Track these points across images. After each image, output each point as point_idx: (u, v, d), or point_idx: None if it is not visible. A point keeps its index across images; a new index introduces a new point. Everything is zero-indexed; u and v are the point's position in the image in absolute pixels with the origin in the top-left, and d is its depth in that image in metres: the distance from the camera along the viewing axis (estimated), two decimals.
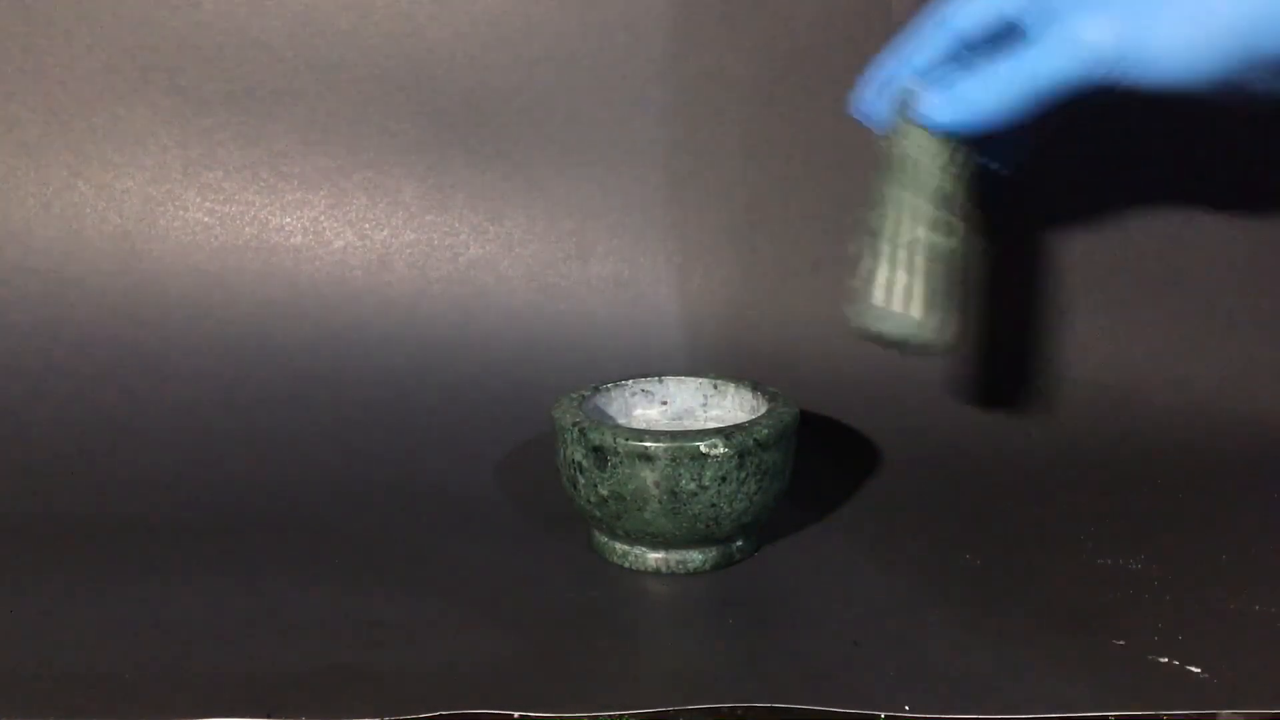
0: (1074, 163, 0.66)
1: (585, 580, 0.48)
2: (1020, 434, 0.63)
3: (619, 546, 0.49)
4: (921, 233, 0.45)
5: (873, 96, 0.47)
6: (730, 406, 0.54)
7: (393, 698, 0.39)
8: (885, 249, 0.45)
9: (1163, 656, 0.42)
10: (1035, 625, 0.44)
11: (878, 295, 0.45)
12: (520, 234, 0.67)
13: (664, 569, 0.48)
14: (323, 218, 0.67)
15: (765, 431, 0.47)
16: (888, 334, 0.45)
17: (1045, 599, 0.46)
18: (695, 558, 0.48)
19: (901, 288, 0.45)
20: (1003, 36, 0.44)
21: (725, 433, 0.46)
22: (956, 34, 0.45)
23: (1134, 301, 0.66)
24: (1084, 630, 0.44)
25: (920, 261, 0.45)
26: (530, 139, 0.67)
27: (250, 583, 0.47)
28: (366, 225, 0.67)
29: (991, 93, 0.42)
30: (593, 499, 0.47)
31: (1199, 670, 0.41)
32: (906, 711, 0.38)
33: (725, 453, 0.45)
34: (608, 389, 0.53)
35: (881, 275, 0.45)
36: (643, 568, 0.48)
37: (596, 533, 0.50)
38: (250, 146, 0.67)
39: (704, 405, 0.54)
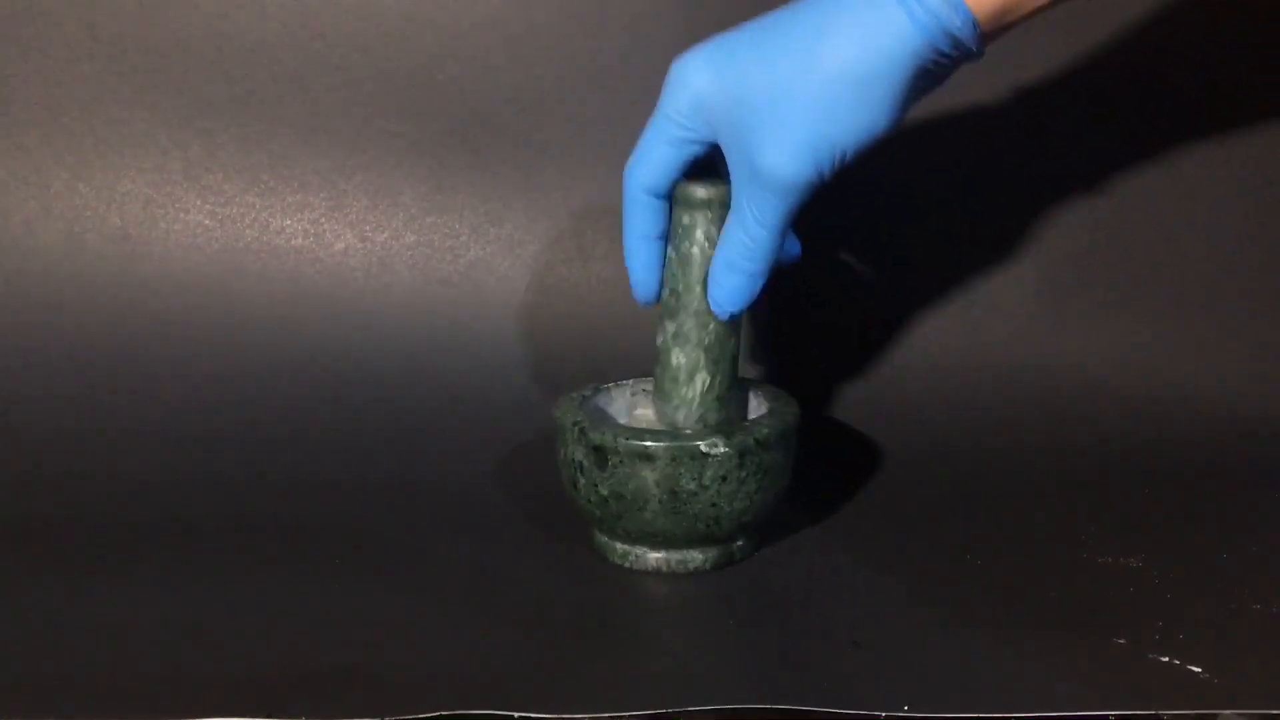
0: (1073, 162, 0.66)
1: (585, 580, 0.48)
2: (1018, 433, 0.62)
3: (619, 546, 0.49)
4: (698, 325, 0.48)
5: (642, 280, 0.48)
6: (745, 399, 0.53)
7: (392, 698, 0.39)
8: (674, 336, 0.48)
9: (1163, 656, 0.42)
10: (1035, 625, 0.44)
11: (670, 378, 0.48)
12: (521, 235, 0.67)
13: (664, 569, 0.48)
14: (323, 219, 0.67)
15: (766, 431, 0.47)
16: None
17: (1045, 598, 0.46)
18: (696, 557, 0.48)
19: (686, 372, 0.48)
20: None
21: (726, 432, 0.46)
22: (657, 192, 0.47)
23: (1134, 301, 0.66)
24: (1084, 629, 0.44)
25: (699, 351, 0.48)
26: (531, 140, 0.67)
27: (250, 583, 0.47)
28: (367, 227, 0.67)
29: (743, 279, 0.45)
30: (593, 498, 0.47)
31: (1199, 669, 0.41)
32: (906, 711, 0.38)
33: (726, 452, 0.45)
34: (608, 389, 0.53)
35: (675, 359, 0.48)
36: (643, 567, 0.48)
37: (597, 532, 0.50)
38: (251, 149, 0.67)
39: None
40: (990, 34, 0.44)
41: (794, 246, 0.48)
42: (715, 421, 0.49)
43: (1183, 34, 0.65)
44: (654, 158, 0.46)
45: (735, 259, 0.45)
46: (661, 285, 0.48)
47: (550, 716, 0.38)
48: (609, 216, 0.67)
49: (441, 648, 0.43)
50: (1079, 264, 0.67)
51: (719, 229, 0.46)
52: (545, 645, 0.43)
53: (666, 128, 0.46)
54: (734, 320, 0.48)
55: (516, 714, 0.38)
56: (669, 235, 0.48)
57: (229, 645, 0.43)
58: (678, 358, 0.48)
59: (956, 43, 0.43)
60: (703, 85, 0.45)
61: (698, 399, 0.49)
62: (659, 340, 0.49)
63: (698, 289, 0.47)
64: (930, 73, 0.44)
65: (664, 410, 0.49)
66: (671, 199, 0.47)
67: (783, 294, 0.66)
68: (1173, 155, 0.66)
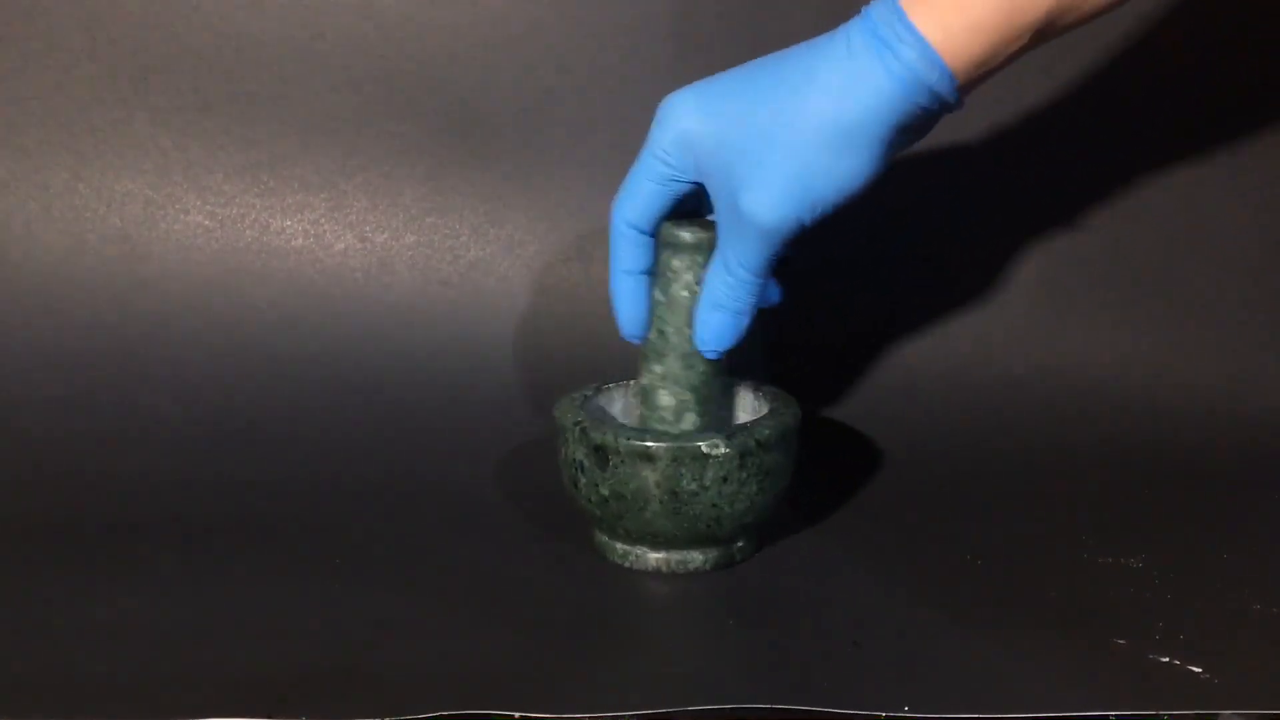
0: (1073, 161, 0.66)
1: (586, 580, 0.48)
2: (1018, 434, 0.62)
3: (620, 546, 0.49)
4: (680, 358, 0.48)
5: (628, 316, 0.49)
6: (733, 407, 0.54)
7: (393, 698, 0.39)
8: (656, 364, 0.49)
9: (1164, 656, 0.42)
10: (1036, 625, 0.44)
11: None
12: (521, 236, 0.67)
13: (664, 569, 0.48)
14: (323, 220, 0.67)
15: (767, 432, 0.47)
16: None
17: (1046, 599, 0.46)
18: (696, 558, 0.48)
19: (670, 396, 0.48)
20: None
21: (726, 433, 0.46)
22: (643, 228, 0.47)
23: (1134, 301, 0.66)
24: (1085, 630, 0.44)
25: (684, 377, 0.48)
26: (531, 141, 0.67)
27: (251, 584, 0.47)
28: (367, 227, 0.67)
29: (727, 319, 0.46)
30: (594, 498, 0.47)
31: (1200, 670, 0.41)
32: (907, 712, 0.38)
33: (726, 453, 0.45)
34: (610, 389, 0.53)
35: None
36: (644, 568, 0.48)
37: (598, 532, 0.50)
38: (250, 149, 0.67)
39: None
40: (968, 86, 0.45)
41: (774, 293, 0.49)
42: None
43: (1182, 34, 0.65)
44: (641, 194, 0.47)
45: (720, 299, 0.46)
46: (648, 324, 0.48)
47: (550, 716, 0.38)
48: (609, 218, 0.67)
49: (442, 648, 0.43)
50: (1079, 265, 0.67)
51: None
52: (545, 645, 0.43)
53: (653, 165, 0.46)
54: (719, 360, 0.48)
55: (517, 714, 0.38)
56: (656, 276, 0.48)
57: (229, 646, 0.43)
58: (666, 399, 0.49)
59: (935, 96, 0.44)
60: (690, 125, 0.45)
61: None
62: (644, 380, 0.49)
63: (686, 331, 0.47)
64: (911, 127, 0.45)
65: None
66: (659, 241, 0.47)
67: (785, 295, 0.66)
68: (1173, 157, 0.66)
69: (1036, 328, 0.66)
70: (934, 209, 0.67)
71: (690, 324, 0.47)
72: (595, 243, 0.67)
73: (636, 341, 0.49)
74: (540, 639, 0.43)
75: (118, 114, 0.66)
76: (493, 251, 0.67)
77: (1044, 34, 0.44)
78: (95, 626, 0.44)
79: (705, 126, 0.45)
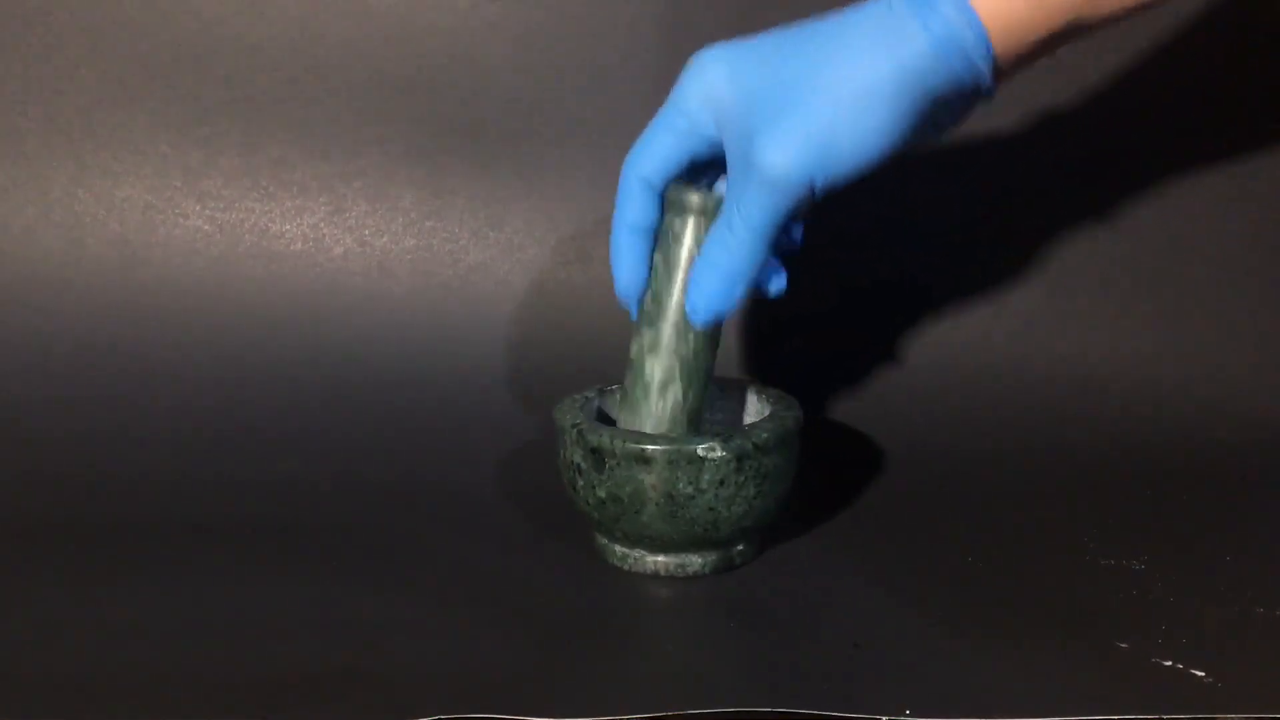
0: (1074, 163, 0.66)
1: (585, 583, 0.48)
2: (1019, 436, 0.62)
3: (619, 549, 0.49)
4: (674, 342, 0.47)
5: (627, 275, 0.48)
6: (734, 409, 0.53)
7: (392, 701, 0.39)
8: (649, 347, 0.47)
9: (1166, 659, 0.41)
10: (1037, 628, 0.44)
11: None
12: (520, 239, 0.67)
13: (664, 572, 0.48)
14: (323, 224, 0.67)
15: (765, 435, 0.46)
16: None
17: (1047, 601, 0.46)
18: (695, 561, 0.48)
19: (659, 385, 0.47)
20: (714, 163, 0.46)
21: (723, 436, 0.46)
22: (654, 183, 0.46)
23: (1134, 301, 0.66)
24: (1086, 633, 0.43)
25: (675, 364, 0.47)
26: (530, 143, 0.67)
27: (251, 586, 0.47)
28: (366, 231, 0.67)
29: (722, 281, 0.44)
30: (591, 501, 0.47)
31: (1203, 674, 0.40)
32: (907, 715, 0.38)
33: (723, 456, 0.45)
34: (612, 390, 0.53)
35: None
36: (643, 570, 0.48)
37: (598, 535, 0.50)
38: (250, 154, 0.67)
39: (709, 408, 0.54)
40: (1004, 68, 0.44)
41: (778, 281, 0.47)
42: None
43: (1184, 39, 0.65)
44: (656, 147, 0.45)
45: (717, 259, 0.44)
46: (645, 286, 0.47)
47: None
48: (609, 219, 0.67)
49: (441, 650, 0.42)
50: (1081, 266, 0.66)
51: None
52: (544, 648, 0.43)
53: (674, 118, 0.45)
54: (713, 335, 0.47)
55: (515, 717, 0.38)
56: (658, 238, 0.47)
57: (229, 647, 0.43)
58: (652, 367, 0.47)
59: (970, 65, 0.42)
60: (716, 80, 0.44)
61: (668, 413, 0.47)
62: (633, 349, 0.48)
63: (680, 297, 0.46)
64: (942, 100, 0.43)
65: (629, 423, 0.48)
66: (665, 202, 0.47)
67: (785, 296, 0.66)
68: (1173, 158, 0.66)
69: (1038, 329, 0.66)
70: (934, 211, 0.67)
71: (686, 289, 0.46)
72: (595, 245, 0.67)
73: (630, 304, 0.48)
74: (539, 641, 0.43)
75: (117, 119, 0.66)
76: (492, 255, 0.67)
77: (1082, 20, 0.43)
78: (95, 626, 0.44)
79: (731, 83, 0.43)
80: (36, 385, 0.63)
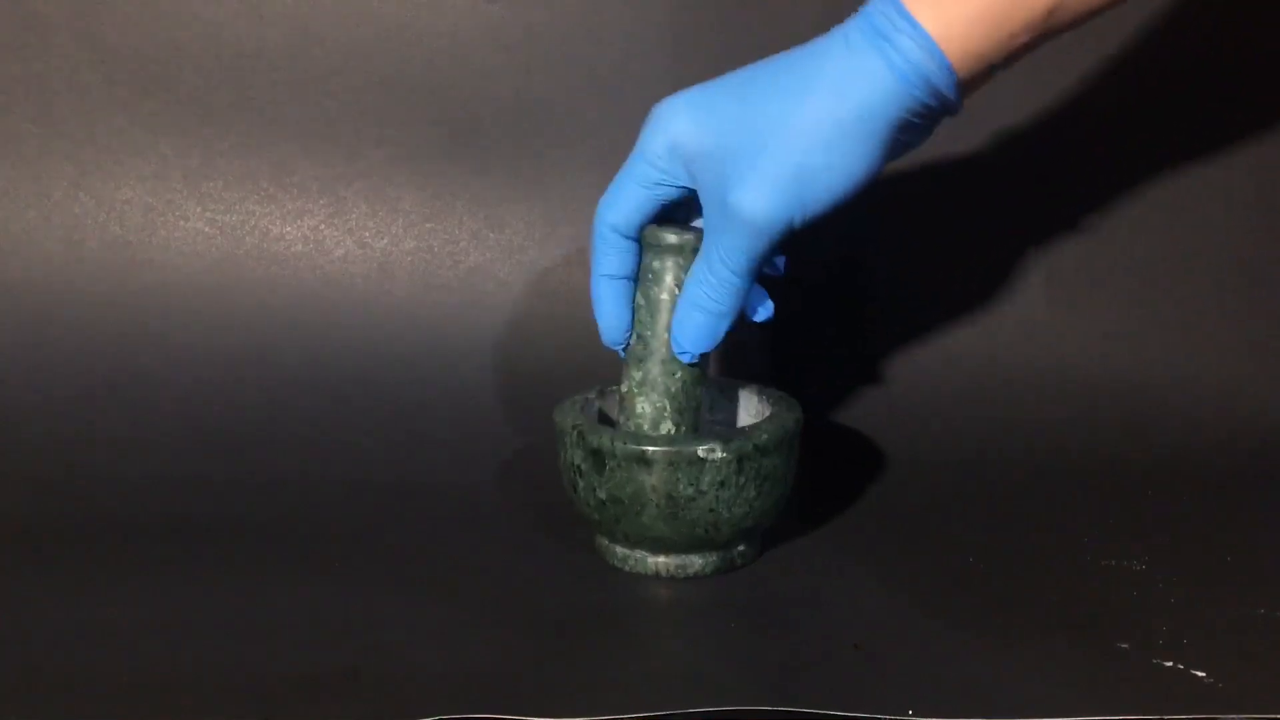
0: (1074, 162, 0.66)
1: (587, 584, 0.48)
2: (1020, 437, 0.62)
3: (620, 550, 0.49)
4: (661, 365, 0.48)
5: (609, 322, 0.48)
6: (735, 410, 0.53)
7: (393, 702, 0.39)
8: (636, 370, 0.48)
9: (1167, 660, 0.41)
10: (1038, 628, 0.44)
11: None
12: (520, 240, 0.67)
13: (664, 573, 0.48)
14: (323, 226, 0.67)
15: (765, 436, 0.46)
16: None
17: (1048, 602, 0.46)
18: (696, 562, 0.48)
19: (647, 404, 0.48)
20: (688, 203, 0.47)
21: (724, 437, 0.46)
22: (627, 232, 0.47)
23: (1137, 304, 0.66)
24: (1087, 634, 0.43)
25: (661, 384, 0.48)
26: (529, 145, 0.67)
27: (251, 587, 0.47)
28: (366, 233, 0.67)
29: (707, 321, 0.45)
30: (591, 502, 0.47)
31: (1204, 674, 0.40)
32: (909, 716, 0.38)
33: (723, 457, 0.45)
34: (612, 391, 0.53)
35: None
36: (644, 572, 0.48)
37: (598, 536, 0.50)
38: (250, 156, 0.67)
39: (710, 409, 0.54)
40: (968, 85, 0.44)
41: (766, 308, 0.48)
42: None
43: (1181, 36, 0.65)
44: (626, 198, 0.46)
45: (700, 299, 0.45)
46: (629, 330, 0.48)
47: None
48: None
49: (442, 651, 0.42)
50: (1081, 268, 0.66)
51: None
52: (544, 648, 0.43)
53: (642, 169, 0.46)
54: (699, 368, 0.48)
55: (515, 717, 0.38)
56: (638, 280, 0.48)
57: (229, 647, 0.43)
58: (643, 406, 0.48)
59: (935, 91, 0.43)
60: (681, 129, 0.44)
61: None
62: (624, 387, 0.49)
63: (665, 335, 0.47)
64: (910, 125, 0.44)
65: None
66: (643, 243, 0.47)
67: (785, 299, 0.66)
68: (1174, 159, 0.66)
69: (1038, 331, 0.66)
70: (935, 211, 0.67)
71: (670, 328, 0.47)
72: None
73: (617, 349, 0.49)
74: (539, 641, 0.43)
75: (118, 121, 0.66)
76: (492, 256, 0.67)
77: (1045, 32, 0.44)
78: (95, 628, 0.44)
79: (698, 130, 0.44)
80: (37, 386, 0.63)
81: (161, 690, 0.40)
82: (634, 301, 0.48)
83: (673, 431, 0.48)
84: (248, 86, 0.66)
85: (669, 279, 0.47)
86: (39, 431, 0.61)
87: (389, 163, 0.67)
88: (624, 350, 0.49)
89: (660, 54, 0.66)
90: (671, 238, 0.46)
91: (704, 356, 0.47)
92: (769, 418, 0.49)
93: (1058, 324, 0.66)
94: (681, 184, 0.46)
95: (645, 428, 0.48)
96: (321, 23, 0.66)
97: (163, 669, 0.41)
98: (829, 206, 0.44)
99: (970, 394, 0.65)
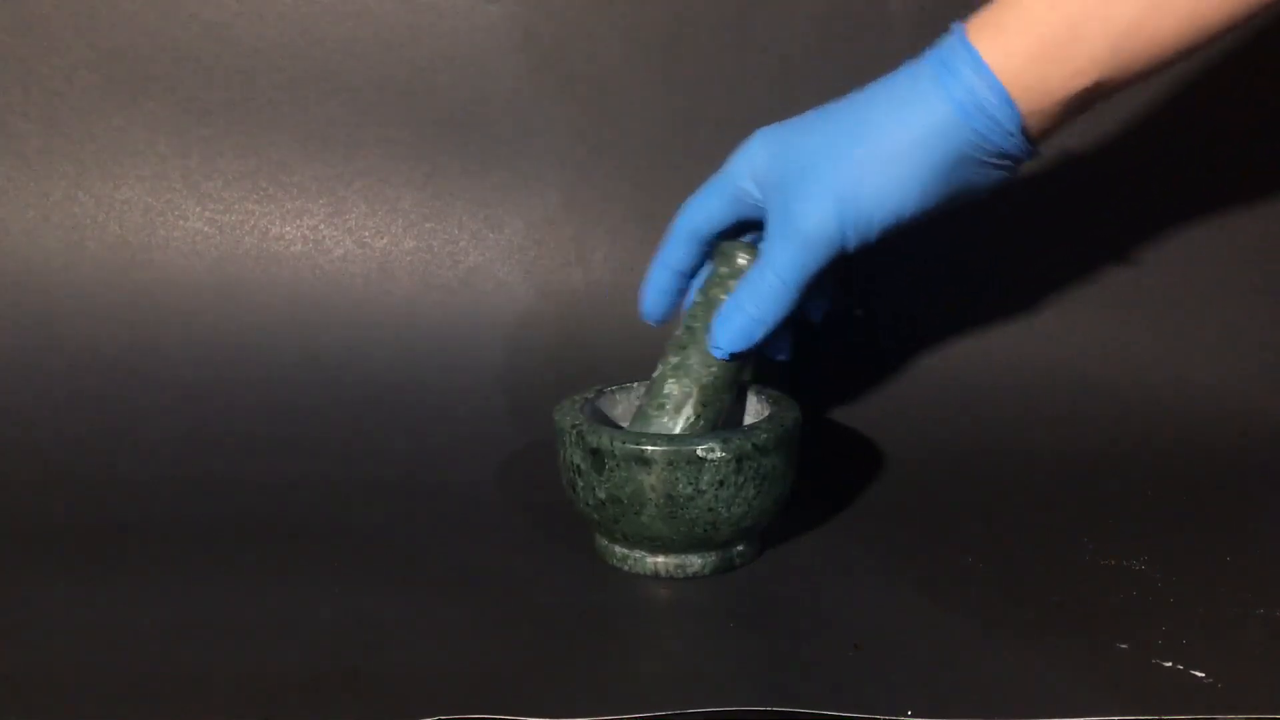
0: (1075, 163, 0.66)
1: (586, 584, 0.48)
2: (1019, 436, 0.62)
3: (619, 550, 0.49)
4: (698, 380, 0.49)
5: (653, 301, 0.52)
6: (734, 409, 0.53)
7: (392, 702, 0.39)
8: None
9: (1166, 660, 0.41)
10: (1038, 628, 0.44)
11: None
12: (520, 240, 0.67)
13: (664, 573, 0.48)
14: (322, 226, 0.67)
15: (764, 436, 0.46)
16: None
17: (1048, 602, 0.46)
18: (695, 562, 0.48)
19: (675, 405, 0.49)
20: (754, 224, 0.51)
21: (723, 436, 0.46)
22: (699, 236, 0.51)
23: (1134, 301, 0.66)
24: (1087, 634, 0.43)
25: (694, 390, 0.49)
26: (529, 145, 0.67)
27: (252, 587, 0.47)
28: (366, 233, 0.67)
29: (746, 322, 0.48)
30: (591, 501, 0.47)
31: (1203, 674, 0.40)
32: (909, 716, 0.38)
33: (723, 457, 0.45)
34: (612, 391, 0.53)
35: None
36: (643, 571, 0.48)
37: (598, 536, 0.50)
38: (249, 155, 0.67)
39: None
40: (1039, 124, 0.45)
41: (814, 311, 0.52)
42: None
43: None
44: (706, 206, 0.50)
45: (744, 300, 0.48)
46: (666, 313, 0.52)
47: None
48: (608, 222, 0.67)
49: (442, 651, 0.42)
50: (1080, 268, 0.66)
51: None
52: (544, 648, 0.43)
53: (724, 184, 0.49)
54: (733, 374, 0.49)
55: (515, 718, 0.38)
56: (701, 280, 0.51)
57: (229, 649, 0.43)
58: (671, 387, 0.49)
59: (996, 125, 0.44)
60: (761, 156, 0.48)
61: (676, 431, 0.49)
62: (657, 370, 0.50)
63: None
64: (975, 161, 0.45)
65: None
66: (716, 253, 0.50)
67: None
68: (1173, 158, 0.66)
69: (1038, 331, 0.66)
70: (935, 212, 0.66)
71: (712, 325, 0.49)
72: (594, 247, 0.67)
73: (652, 321, 0.52)
74: (539, 641, 0.43)
75: (117, 121, 0.66)
76: (491, 256, 0.67)
77: (1114, 76, 0.45)
78: (96, 628, 0.44)
79: (774, 156, 0.48)
80: (37, 387, 0.63)
81: (161, 690, 0.40)
82: (694, 296, 0.51)
83: (692, 419, 0.49)
84: (248, 86, 0.66)
85: (731, 283, 0.49)
86: (40, 431, 0.61)
87: (388, 162, 0.67)
88: (660, 325, 0.52)
89: (657, 55, 0.66)
90: (742, 258, 0.49)
91: (738, 365, 0.49)
92: (768, 417, 0.49)
93: (1058, 324, 0.66)
94: (754, 202, 0.49)
95: (667, 407, 0.49)
96: (321, 23, 0.66)
97: (163, 669, 0.41)
98: (881, 228, 0.46)
99: (970, 394, 0.65)
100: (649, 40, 0.65)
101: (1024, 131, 0.45)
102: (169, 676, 0.41)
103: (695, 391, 0.49)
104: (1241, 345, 0.65)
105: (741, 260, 0.49)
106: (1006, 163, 0.46)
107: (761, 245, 0.48)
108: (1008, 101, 0.44)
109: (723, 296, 0.49)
